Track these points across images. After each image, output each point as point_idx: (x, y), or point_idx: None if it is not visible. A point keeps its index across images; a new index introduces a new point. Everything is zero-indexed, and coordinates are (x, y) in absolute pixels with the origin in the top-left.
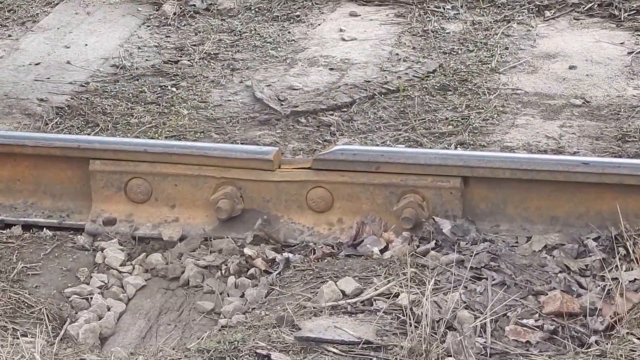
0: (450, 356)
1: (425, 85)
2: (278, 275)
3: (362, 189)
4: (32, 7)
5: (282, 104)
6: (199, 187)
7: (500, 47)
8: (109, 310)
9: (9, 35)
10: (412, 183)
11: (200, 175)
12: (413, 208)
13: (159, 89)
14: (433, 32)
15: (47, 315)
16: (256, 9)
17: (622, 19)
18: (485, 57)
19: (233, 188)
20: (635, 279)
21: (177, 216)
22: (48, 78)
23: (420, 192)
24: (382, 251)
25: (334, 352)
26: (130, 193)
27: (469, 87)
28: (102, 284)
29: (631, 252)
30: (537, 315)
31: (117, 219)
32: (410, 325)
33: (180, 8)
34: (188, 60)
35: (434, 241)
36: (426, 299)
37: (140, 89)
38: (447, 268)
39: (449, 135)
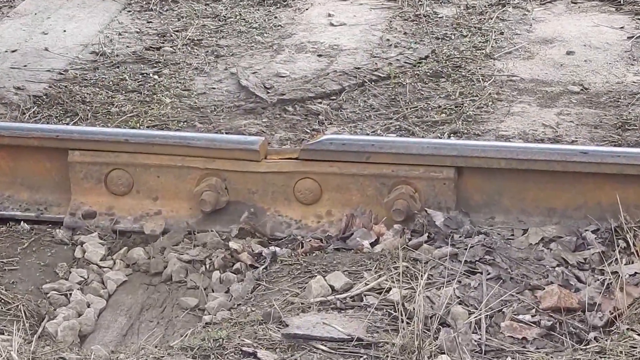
0: (444, 353)
1: (418, 72)
2: (264, 270)
3: (352, 180)
4: None
5: (268, 92)
6: (182, 178)
7: (495, 32)
8: (88, 306)
9: None
10: (403, 174)
11: (184, 166)
12: (405, 200)
13: (140, 76)
14: (425, 16)
15: (25, 312)
16: None
17: (622, 2)
18: (480, 42)
19: (218, 179)
20: (635, 273)
21: (160, 209)
22: (25, 65)
23: (412, 183)
24: (372, 244)
25: (322, 350)
26: (111, 185)
27: (463, 73)
28: (82, 279)
29: (631, 244)
30: (533, 310)
31: (97, 212)
32: (402, 322)
33: None
34: (170, 47)
35: (427, 234)
36: (418, 294)
37: (121, 77)
38: (440, 262)
39: (442, 124)
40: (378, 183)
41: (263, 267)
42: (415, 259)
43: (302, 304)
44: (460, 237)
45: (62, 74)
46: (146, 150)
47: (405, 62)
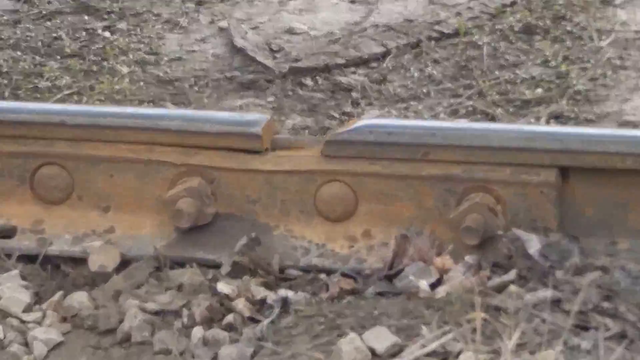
0: None
1: (500, 27)
2: (271, 325)
3: (402, 185)
4: None
5: (276, 57)
6: (147, 178)
7: None
8: None
9: None
10: (480, 176)
11: (150, 160)
12: (481, 214)
13: (83, 34)
14: None
15: None
16: None
17: None
18: None
19: (201, 181)
20: None
21: (113, 225)
22: None
23: (493, 190)
24: (433, 286)
25: None
26: (40, 188)
27: (568, 28)
28: None
29: None
30: None
31: (18, 229)
32: None
33: None
34: None
35: (515, 269)
36: None
37: (55, 35)
38: (536, 312)
39: (537, 104)
40: (441, 189)
41: (268, 320)
42: (497, 308)
43: None
44: (565, 274)
45: None
46: (93, 135)
47: (482, 12)
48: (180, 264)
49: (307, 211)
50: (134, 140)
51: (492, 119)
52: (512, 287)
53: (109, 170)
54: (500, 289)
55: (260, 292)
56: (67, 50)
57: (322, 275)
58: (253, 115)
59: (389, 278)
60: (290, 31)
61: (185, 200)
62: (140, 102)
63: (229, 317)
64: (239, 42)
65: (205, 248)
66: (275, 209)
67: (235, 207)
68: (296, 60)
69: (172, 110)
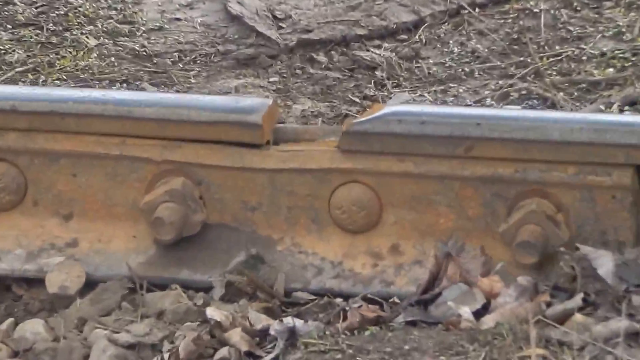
0: None
1: None
2: None
3: (439, 188)
4: None
5: (281, 27)
6: (119, 178)
7: None
8: None
9: None
10: (536, 177)
11: (123, 155)
12: (539, 225)
13: None
14: None
15: None
16: None
17: None
18: None
19: (186, 182)
20: None
21: (76, 237)
22: None
23: (554, 195)
24: (478, 314)
25: None
26: None
27: None
28: None
29: None
30: None
31: None
32: None
33: None
34: None
35: (581, 294)
36: None
37: None
38: (608, 348)
39: (608, 87)
40: (489, 193)
41: (271, 356)
42: (559, 343)
43: None
44: None
45: None
46: (51, 125)
47: None
48: (160, 285)
49: (319, 220)
50: (103, 131)
51: (552, 105)
52: (578, 316)
53: (71, 168)
54: (562, 318)
55: (260, 321)
56: (21, 17)
57: (339, 300)
58: (251, 99)
59: (423, 304)
60: None
61: (167, 207)
62: (111, 83)
63: (222, 352)
64: (235, 7)
65: (191, 266)
66: (279, 217)
67: (229, 215)
68: (306, 30)
69: (150, 94)
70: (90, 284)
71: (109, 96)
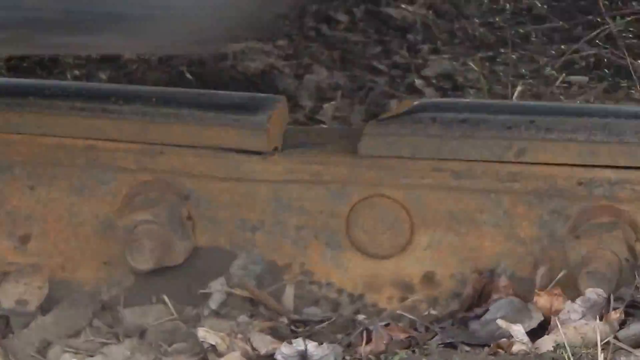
0: None
1: None
2: None
3: (485, 204)
4: None
5: None
6: (87, 192)
7: None
8: None
9: None
10: (605, 192)
11: (93, 163)
12: (614, 253)
13: None
14: None
15: None
16: None
17: None
18: None
19: (172, 197)
20: None
21: (35, 263)
22: None
23: (632, 216)
24: (534, 334)
25: None
26: None
27: None
28: None
29: None
30: None
31: None
32: None
33: None
34: None
35: None
36: None
37: None
38: None
39: None
40: (545, 212)
41: None
42: None
43: None
44: None
45: None
46: (1, 124)
47: None
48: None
49: (335, 243)
50: (68, 132)
51: (627, 75)
52: None
53: (28, 178)
54: (639, 341)
55: (265, 343)
56: None
57: (361, 317)
58: (256, 95)
59: (465, 322)
60: None
61: (147, 229)
62: (80, 68)
63: None
64: None
65: (176, 301)
66: (286, 239)
67: (224, 237)
68: None
69: (127, 86)
70: (53, 303)
71: (75, 86)
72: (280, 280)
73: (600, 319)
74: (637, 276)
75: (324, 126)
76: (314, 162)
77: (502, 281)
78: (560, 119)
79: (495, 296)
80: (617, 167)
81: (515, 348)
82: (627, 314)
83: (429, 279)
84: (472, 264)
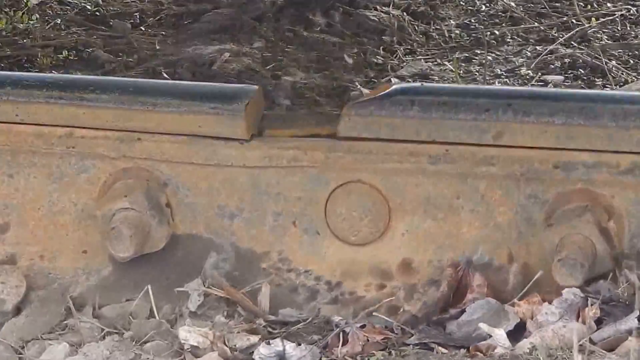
0: None
1: None
2: None
3: (463, 189)
4: None
5: None
6: (65, 180)
7: None
8: None
9: None
10: (582, 174)
11: (71, 151)
12: (588, 237)
13: None
14: None
15: None
16: None
17: None
18: None
19: (149, 184)
20: None
21: (14, 252)
22: None
23: (603, 197)
24: (512, 336)
25: None
26: None
27: None
28: None
29: None
30: None
31: None
32: None
33: None
34: None
35: (638, 312)
36: None
37: None
38: None
39: None
40: (522, 196)
41: None
42: None
43: None
44: None
45: None
46: None
47: None
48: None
49: (313, 229)
50: (46, 120)
51: (602, 75)
52: (633, 343)
53: (6, 167)
54: (614, 343)
55: (243, 341)
56: None
57: (338, 319)
58: (231, 86)
59: (442, 323)
60: None
61: (126, 216)
62: (57, 51)
63: None
64: None
65: (154, 289)
66: (264, 226)
67: (202, 224)
68: None
69: (109, 78)
70: (27, 302)
71: (53, 77)
72: (258, 270)
73: (577, 320)
74: (615, 269)
75: (302, 111)
76: (291, 147)
77: (477, 280)
78: (538, 102)
79: (470, 296)
80: (594, 151)
81: (495, 349)
82: (603, 311)
83: (406, 265)
84: (449, 250)
